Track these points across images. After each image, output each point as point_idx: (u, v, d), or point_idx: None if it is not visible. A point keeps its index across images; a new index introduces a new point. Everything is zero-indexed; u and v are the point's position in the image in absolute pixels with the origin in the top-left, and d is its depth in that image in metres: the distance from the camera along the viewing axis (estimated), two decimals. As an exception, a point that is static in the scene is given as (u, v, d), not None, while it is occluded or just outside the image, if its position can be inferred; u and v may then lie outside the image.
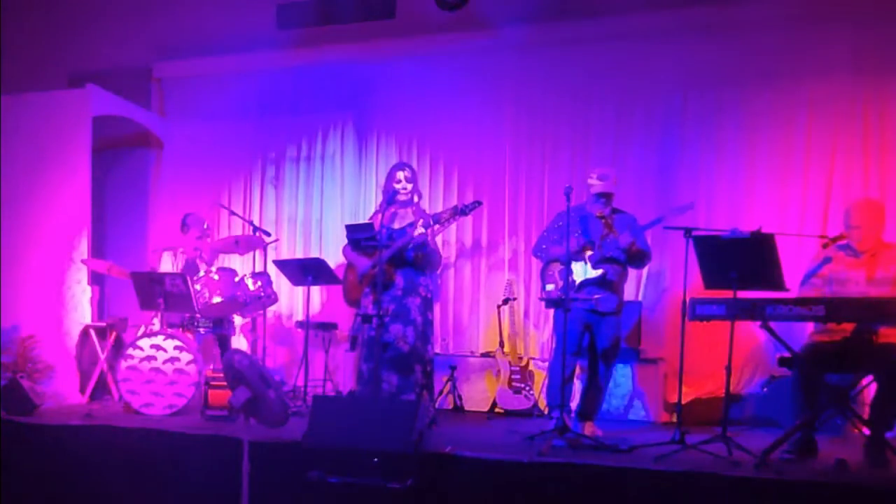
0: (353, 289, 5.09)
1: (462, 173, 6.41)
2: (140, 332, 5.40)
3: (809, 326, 4.37)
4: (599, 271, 4.60)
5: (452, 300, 6.38)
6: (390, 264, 4.83)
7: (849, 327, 4.02)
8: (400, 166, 5.10)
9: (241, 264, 6.39)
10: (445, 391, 5.81)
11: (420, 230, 4.80)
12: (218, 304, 5.47)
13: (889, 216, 4.28)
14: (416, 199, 5.06)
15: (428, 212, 5.13)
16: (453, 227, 6.25)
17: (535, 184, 6.20)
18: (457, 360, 5.95)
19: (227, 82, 6.99)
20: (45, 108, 6.43)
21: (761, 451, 3.82)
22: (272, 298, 5.67)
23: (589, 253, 4.62)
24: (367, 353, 4.78)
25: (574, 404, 4.89)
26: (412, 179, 5.05)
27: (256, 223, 6.26)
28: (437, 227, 4.91)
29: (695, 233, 4.20)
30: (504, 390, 5.58)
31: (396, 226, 4.97)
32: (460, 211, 4.83)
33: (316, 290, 6.47)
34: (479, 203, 4.98)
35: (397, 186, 4.98)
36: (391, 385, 4.78)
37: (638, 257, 4.69)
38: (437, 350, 6.19)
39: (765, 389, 5.36)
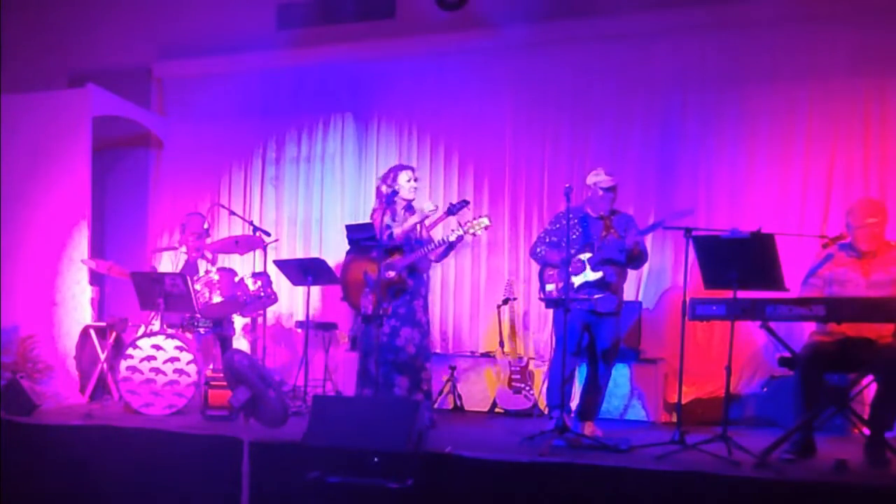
0: (357, 291, 5.06)
1: (462, 173, 6.42)
2: (140, 332, 5.40)
3: (810, 326, 4.37)
4: (599, 273, 4.60)
5: (452, 300, 6.38)
6: (407, 270, 4.84)
7: (849, 327, 4.02)
8: (405, 168, 5.06)
9: (241, 264, 6.39)
10: (445, 391, 5.81)
11: (458, 232, 4.75)
12: (218, 304, 5.47)
13: (889, 216, 4.27)
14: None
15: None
16: (453, 226, 6.27)
17: (535, 183, 6.20)
18: (457, 360, 5.95)
19: (227, 82, 7.00)
20: (45, 108, 6.43)
21: (761, 451, 3.82)
22: (272, 298, 5.67)
23: (588, 256, 4.62)
24: (378, 356, 4.75)
25: (574, 404, 4.90)
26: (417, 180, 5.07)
27: (256, 223, 6.26)
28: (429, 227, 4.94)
29: (695, 233, 4.20)
30: (504, 390, 5.58)
31: (396, 227, 4.96)
32: (447, 211, 4.85)
33: (316, 290, 6.47)
34: (467, 202, 4.98)
35: (406, 186, 4.95)
36: (402, 388, 4.81)
37: (638, 259, 4.70)
38: (437, 350, 6.22)
39: (765, 389, 5.37)
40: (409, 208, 4.99)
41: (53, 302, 6.22)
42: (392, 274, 4.73)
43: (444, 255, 4.98)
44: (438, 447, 4.00)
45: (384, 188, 4.97)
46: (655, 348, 5.65)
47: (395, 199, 4.95)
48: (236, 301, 5.48)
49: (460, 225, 4.74)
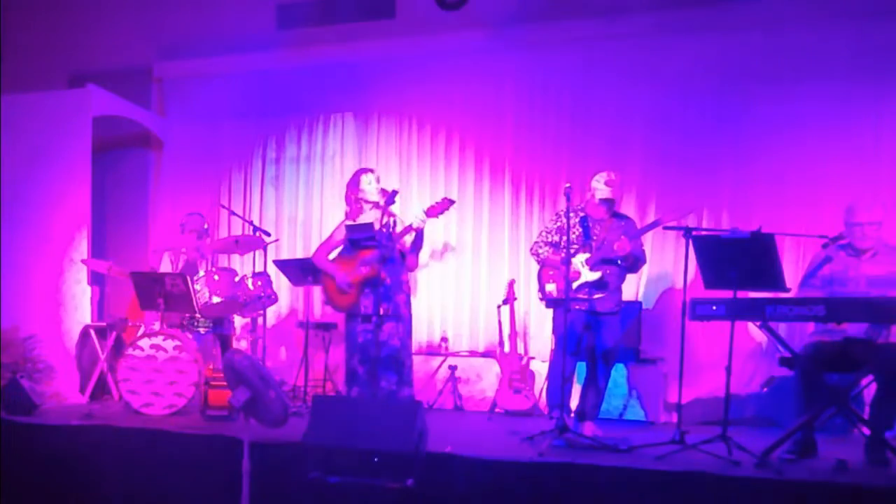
0: (339, 294, 5.05)
1: (462, 173, 6.41)
2: (140, 332, 5.41)
3: (810, 326, 4.37)
4: (598, 273, 4.60)
5: (452, 300, 6.38)
6: (379, 263, 4.87)
7: (849, 327, 4.02)
8: (365, 171, 5.14)
9: (241, 264, 6.39)
10: (445, 391, 5.81)
11: (421, 217, 4.81)
12: (218, 304, 5.47)
13: (889, 216, 4.27)
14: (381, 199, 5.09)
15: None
16: (454, 226, 6.32)
17: (535, 183, 6.20)
18: (457, 360, 5.95)
19: (227, 82, 6.99)
20: (45, 108, 6.43)
21: (761, 451, 3.82)
22: (272, 298, 5.67)
23: (586, 257, 4.62)
24: (362, 355, 4.79)
25: (574, 404, 4.90)
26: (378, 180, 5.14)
27: (256, 223, 6.26)
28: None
29: (695, 233, 4.21)
30: (504, 390, 5.59)
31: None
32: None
33: (316, 290, 6.46)
34: (453, 202, 5.02)
35: (369, 189, 5.02)
36: (390, 383, 4.82)
37: (633, 264, 4.70)
38: (437, 350, 6.22)
39: (765, 389, 5.37)
40: (384, 207, 4.99)
41: (53, 302, 6.21)
42: (366, 269, 4.76)
43: (417, 244, 5.00)
44: (438, 447, 4.01)
45: (352, 196, 5.05)
46: (655, 348, 5.65)
47: (395, 199, 4.97)
48: (236, 301, 5.48)
49: (422, 210, 4.81)
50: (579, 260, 4.61)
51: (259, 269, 5.82)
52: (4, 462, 4.60)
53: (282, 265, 5.83)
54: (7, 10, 7.00)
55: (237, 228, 6.73)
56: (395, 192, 4.97)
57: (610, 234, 4.64)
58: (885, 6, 5.36)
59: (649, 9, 5.83)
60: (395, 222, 5.05)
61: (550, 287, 4.68)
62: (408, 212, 6.14)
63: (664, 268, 5.80)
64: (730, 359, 4.03)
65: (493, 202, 6.29)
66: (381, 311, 4.62)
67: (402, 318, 4.93)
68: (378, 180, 5.08)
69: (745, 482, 3.55)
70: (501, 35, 6.21)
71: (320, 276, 5.15)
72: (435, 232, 6.20)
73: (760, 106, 5.67)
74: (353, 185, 5.09)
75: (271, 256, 5.94)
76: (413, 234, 4.85)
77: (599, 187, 4.67)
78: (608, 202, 4.67)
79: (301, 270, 5.63)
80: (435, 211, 4.82)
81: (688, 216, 4.58)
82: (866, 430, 4.07)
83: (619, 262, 4.61)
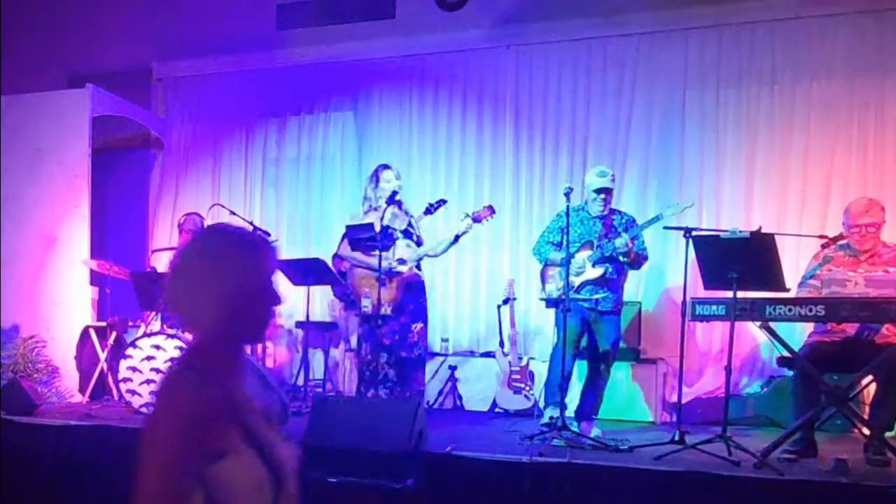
0: (370, 289, 5.08)
1: (462, 173, 6.41)
2: (140, 332, 5.40)
3: (810, 326, 4.37)
4: (600, 270, 4.60)
5: (452, 300, 6.37)
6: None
7: (849, 327, 4.02)
8: (388, 166, 5.15)
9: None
10: (445, 391, 5.81)
11: (468, 223, 4.90)
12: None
13: (888, 216, 4.27)
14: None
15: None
16: (454, 225, 6.30)
17: (535, 183, 6.20)
18: (457, 360, 5.95)
19: (227, 82, 7.00)
20: (45, 108, 6.42)
21: (761, 451, 3.81)
22: (272, 298, 5.66)
23: (588, 254, 4.62)
24: (390, 356, 4.80)
25: (574, 404, 4.89)
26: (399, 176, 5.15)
27: (256, 223, 6.25)
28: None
29: (695, 233, 4.20)
30: (504, 390, 5.58)
31: (397, 225, 4.99)
32: (426, 211, 4.98)
33: (316, 290, 6.46)
34: (444, 201, 5.06)
35: (395, 185, 5.02)
36: (420, 384, 4.87)
37: (635, 260, 4.69)
38: (437, 350, 6.23)
39: (765, 389, 5.37)
40: (398, 204, 5.00)
41: (53, 302, 6.21)
42: (405, 269, 4.79)
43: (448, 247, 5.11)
44: (438, 447, 4.01)
45: (369, 191, 5.06)
46: (655, 348, 5.65)
47: (397, 197, 4.97)
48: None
49: (468, 215, 4.86)
50: (582, 257, 4.62)
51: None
52: (4, 462, 4.60)
53: (282, 265, 5.82)
54: (7, 10, 7.00)
55: (237, 228, 6.72)
56: (395, 192, 4.98)
57: (611, 231, 4.64)
58: (885, 4, 5.36)
59: (649, 8, 5.84)
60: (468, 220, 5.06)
61: (551, 287, 4.69)
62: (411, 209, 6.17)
63: (664, 267, 5.80)
64: (730, 359, 4.02)
65: (493, 202, 6.24)
66: (382, 311, 4.62)
67: (427, 320, 5.01)
68: (398, 177, 5.07)
69: (745, 482, 3.54)
70: (501, 35, 6.22)
71: (347, 272, 5.15)
72: (436, 231, 6.19)
73: (761, 105, 5.67)
74: (374, 181, 5.07)
75: (271, 256, 5.92)
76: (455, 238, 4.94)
77: (591, 179, 4.70)
78: (603, 192, 4.66)
79: (301, 270, 5.62)
80: (480, 217, 4.94)
81: (687, 209, 4.58)
82: (866, 430, 4.06)
83: (620, 258, 4.61)
